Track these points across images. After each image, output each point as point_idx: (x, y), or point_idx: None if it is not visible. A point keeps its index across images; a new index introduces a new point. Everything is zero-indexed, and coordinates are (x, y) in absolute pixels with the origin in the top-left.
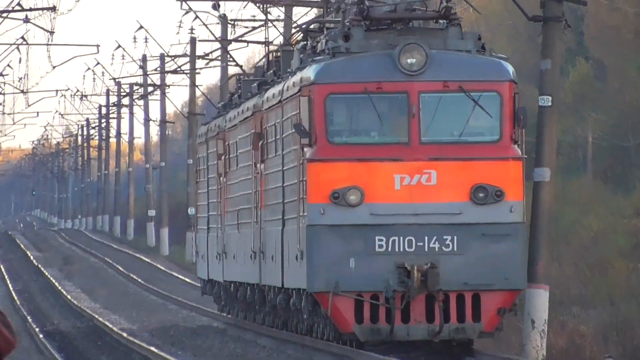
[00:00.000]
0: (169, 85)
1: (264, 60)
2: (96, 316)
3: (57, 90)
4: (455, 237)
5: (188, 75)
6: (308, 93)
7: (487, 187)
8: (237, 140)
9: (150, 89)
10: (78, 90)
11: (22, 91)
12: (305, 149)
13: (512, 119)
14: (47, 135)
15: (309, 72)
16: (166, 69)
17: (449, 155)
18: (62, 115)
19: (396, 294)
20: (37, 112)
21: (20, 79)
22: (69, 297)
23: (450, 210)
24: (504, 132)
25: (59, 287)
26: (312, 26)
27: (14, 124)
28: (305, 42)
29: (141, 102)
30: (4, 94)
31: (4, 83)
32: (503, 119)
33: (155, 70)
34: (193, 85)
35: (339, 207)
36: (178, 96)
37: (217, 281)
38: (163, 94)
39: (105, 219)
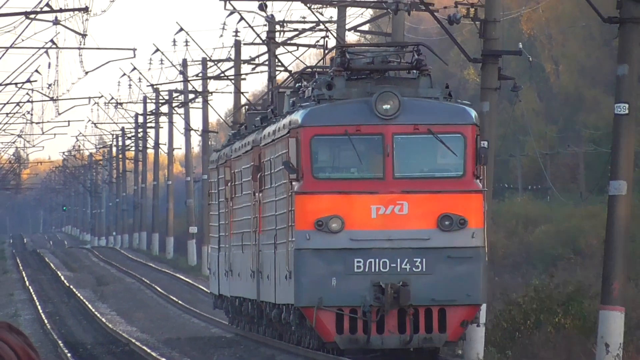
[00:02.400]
0: (211, 92)
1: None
2: (133, 340)
3: (89, 98)
4: (424, 259)
5: (232, 81)
6: (296, 135)
7: (452, 216)
8: (241, 169)
9: (191, 95)
10: (112, 98)
11: (52, 98)
12: (293, 183)
13: (474, 157)
14: (79, 146)
15: (297, 116)
16: (208, 75)
17: (419, 188)
18: (95, 124)
19: (372, 309)
20: (68, 121)
21: (50, 85)
22: (103, 320)
23: (420, 236)
24: (467, 168)
25: (93, 310)
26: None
27: (42, 133)
28: (299, 85)
29: (181, 110)
30: (32, 102)
31: (32, 90)
32: (466, 157)
33: (197, 75)
34: (238, 91)
35: (322, 234)
36: (221, 104)
37: (226, 296)
38: (205, 102)
39: (142, 236)
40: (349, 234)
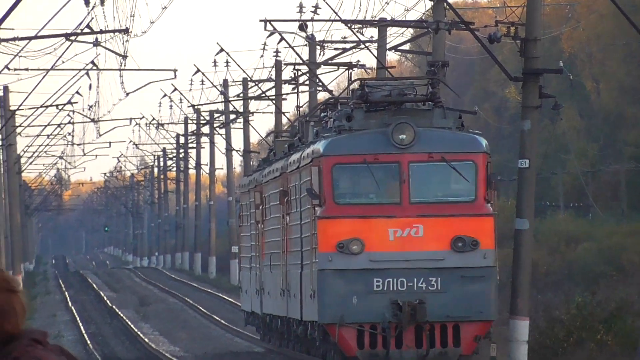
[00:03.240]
0: (252, 112)
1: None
2: None
3: (130, 119)
4: (439, 278)
5: (273, 101)
6: (318, 163)
7: (465, 238)
8: (270, 194)
9: (232, 116)
10: (154, 119)
11: (93, 120)
12: (316, 208)
13: (485, 183)
14: (120, 167)
15: (319, 146)
16: (249, 95)
17: (434, 212)
18: (136, 145)
19: (391, 325)
20: (109, 142)
21: (91, 106)
22: (146, 340)
23: (435, 257)
24: (479, 193)
25: (135, 330)
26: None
27: (84, 155)
28: (324, 114)
29: (222, 131)
30: (73, 123)
31: (73, 111)
32: (478, 183)
33: (238, 96)
34: (279, 111)
35: (343, 255)
36: (263, 124)
37: (257, 313)
38: (246, 122)
39: (184, 256)
40: (369, 256)
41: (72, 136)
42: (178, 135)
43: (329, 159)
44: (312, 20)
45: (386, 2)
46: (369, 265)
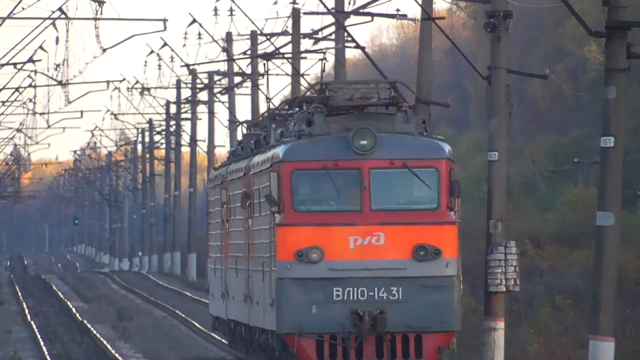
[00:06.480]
0: (262, 74)
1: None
2: None
3: (108, 82)
4: (400, 288)
5: (289, 60)
6: (277, 169)
7: (427, 247)
8: (235, 193)
9: (237, 79)
10: (137, 82)
11: (61, 82)
12: (275, 215)
13: (448, 190)
14: (95, 143)
15: (279, 151)
16: (259, 52)
17: (395, 220)
18: (115, 115)
19: (351, 335)
20: (81, 112)
21: (58, 66)
22: None
23: (396, 266)
24: (441, 201)
25: (113, 352)
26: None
27: (48, 127)
28: (291, 111)
29: (225, 98)
30: (35, 87)
31: (36, 72)
32: (440, 190)
33: (245, 53)
34: (297, 73)
35: (302, 264)
36: (275, 88)
37: (223, 318)
38: (255, 86)
39: (175, 257)
40: (328, 264)
41: (34, 103)
42: (168, 103)
43: (288, 164)
44: None
45: None
46: (329, 274)
